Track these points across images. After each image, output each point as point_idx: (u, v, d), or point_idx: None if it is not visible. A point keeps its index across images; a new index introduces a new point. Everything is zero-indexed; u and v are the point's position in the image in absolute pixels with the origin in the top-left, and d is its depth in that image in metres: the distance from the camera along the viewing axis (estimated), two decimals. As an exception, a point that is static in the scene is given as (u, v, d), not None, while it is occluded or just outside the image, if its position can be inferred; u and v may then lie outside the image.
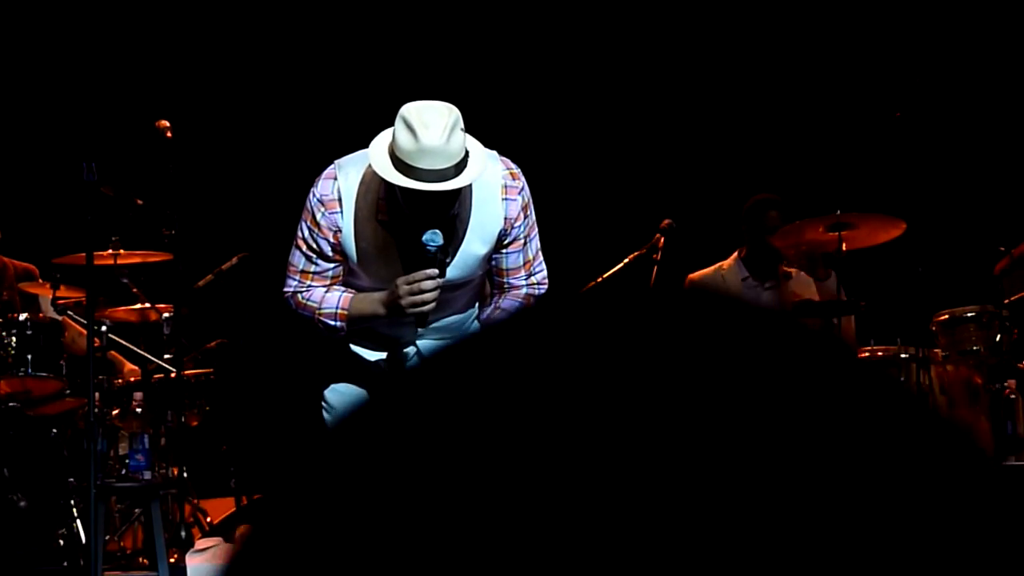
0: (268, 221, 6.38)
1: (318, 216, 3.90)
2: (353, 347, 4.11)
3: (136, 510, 6.37)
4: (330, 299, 3.98)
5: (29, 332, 6.26)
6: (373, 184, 3.86)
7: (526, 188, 3.99)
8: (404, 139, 3.68)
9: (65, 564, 6.08)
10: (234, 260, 6.77)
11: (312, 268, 3.98)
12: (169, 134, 6.38)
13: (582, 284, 6.69)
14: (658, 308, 0.82)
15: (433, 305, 3.83)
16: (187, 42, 8.18)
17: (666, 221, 6.72)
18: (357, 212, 3.88)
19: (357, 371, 4.11)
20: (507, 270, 4.05)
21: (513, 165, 3.99)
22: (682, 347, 0.78)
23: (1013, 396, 6.09)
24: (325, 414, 4.17)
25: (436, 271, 3.80)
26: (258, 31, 8.27)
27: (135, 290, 6.69)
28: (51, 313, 6.55)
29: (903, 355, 6.16)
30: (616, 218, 7.82)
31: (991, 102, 7.75)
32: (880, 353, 6.19)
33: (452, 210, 3.82)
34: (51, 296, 6.51)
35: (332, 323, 3.98)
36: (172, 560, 5.85)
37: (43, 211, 7.61)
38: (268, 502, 0.84)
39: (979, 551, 0.74)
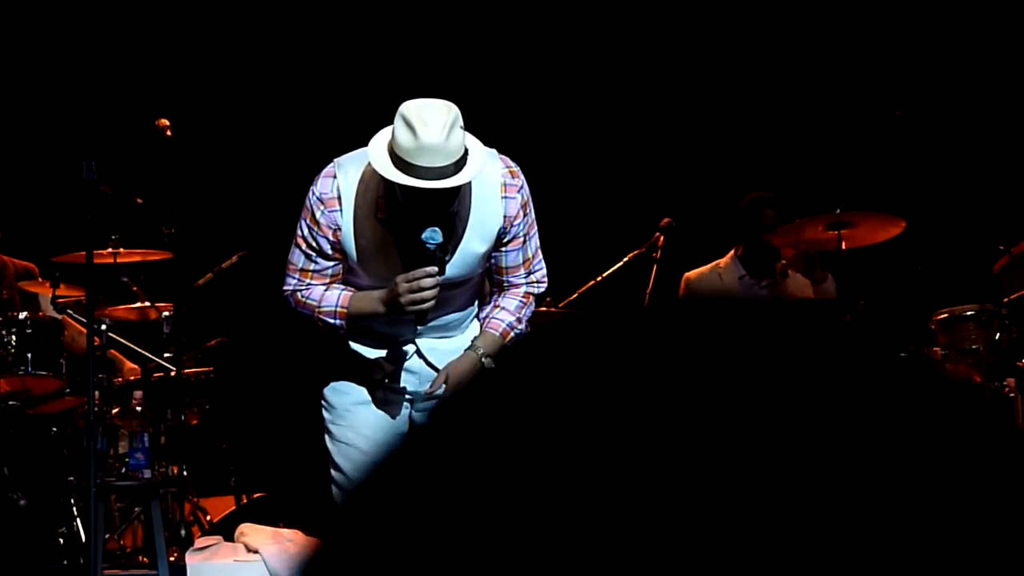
0: (268, 220, 6.38)
1: (317, 214, 3.90)
2: (352, 345, 4.11)
3: (136, 509, 6.37)
4: (329, 297, 3.98)
5: (29, 331, 6.26)
6: (372, 182, 3.87)
7: (525, 186, 3.99)
8: (404, 137, 3.68)
9: (65, 563, 6.08)
10: (234, 259, 6.78)
11: (312, 266, 3.98)
12: (169, 133, 6.39)
13: (582, 283, 6.70)
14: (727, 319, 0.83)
15: (432, 303, 3.83)
16: (187, 41, 8.18)
17: (665, 220, 6.73)
18: (357, 210, 3.88)
19: (356, 370, 4.12)
20: (506, 268, 4.06)
21: (512, 163, 3.99)
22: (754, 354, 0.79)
23: (1012, 395, 6.09)
24: (325, 413, 4.17)
25: (435, 269, 3.80)
26: (258, 30, 8.27)
27: (135, 289, 6.69)
28: (51, 312, 6.55)
29: (902, 354, 6.15)
30: (616, 217, 7.82)
31: (990, 101, 7.75)
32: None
33: (451, 208, 3.83)
34: (51, 295, 6.51)
35: (331, 321, 3.99)
36: (172, 559, 5.85)
37: (43, 210, 7.61)
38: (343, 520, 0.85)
39: None
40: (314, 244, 3.94)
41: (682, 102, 8.20)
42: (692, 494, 0.74)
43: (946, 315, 6.20)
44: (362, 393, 4.12)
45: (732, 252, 6.80)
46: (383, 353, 4.10)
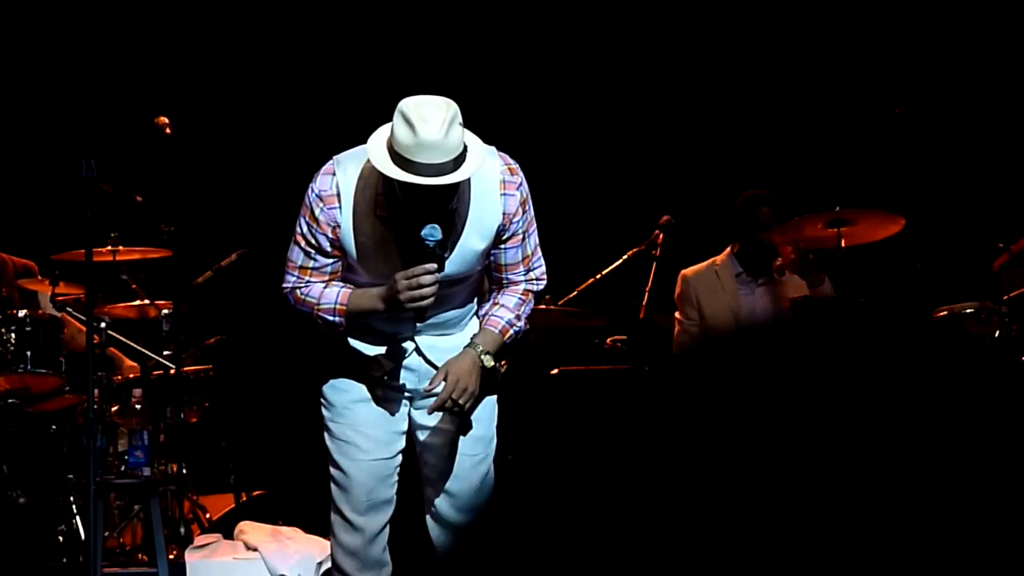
0: (267, 218, 6.38)
1: (316, 212, 3.90)
2: (352, 343, 4.11)
3: (135, 506, 6.37)
4: (329, 294, 3.98)
5: (28, 328, 6.26)
6: (372, 179, 3.87)
7: (524, 183, 3.99)
8: (402, 134, 3.68)
9: (64, 560, 6.08)
10: (233, 257, 6.77)
11: (311, 264, 3.98)
12: (168, 130, 6.39)
13: (581, 280, 6.69)
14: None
15: (432, 300, 3.83)
16: (186, 39, 8.17)
17: (665, 217, 6.73)
18: (356, 207, 3.88)
19: (356, 367, 4.12)
20: (505, 265, 4.06)
21: (511, 160, 3.99)
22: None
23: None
24: (324, 410, 4.17)
25: (435, 266, 3.80)
26: (257, 28, 8.26)
27: (134, 286, 6.69)
28: (50, 309, 6.54)
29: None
30: (615, 214, 7.82)
31: (990, 98, 7.75)
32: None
33: (450, 205, 3.82)
34: (50, 292, 6.51)
35: (331, 318, 3.99)
36: (171, 557, 5.85)
37: (42, 207, 7.61)
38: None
39: None
40: (313, 241, 3.94)
41: (682, 100, 8.20)
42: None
43: (946, 313, 6.19)
44: (361, 391, 4.12)
45: (728, 250, 6.79)
46: (382, 351, 4.09)
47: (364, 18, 8.28)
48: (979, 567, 0.74)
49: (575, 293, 6.65)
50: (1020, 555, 0.73)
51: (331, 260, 3.97)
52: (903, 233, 6.38)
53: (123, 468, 6.06)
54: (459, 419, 4.10)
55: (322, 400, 4.18)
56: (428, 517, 4.22)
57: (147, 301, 6.67)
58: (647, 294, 6.51)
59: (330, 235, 3.92)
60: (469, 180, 3.84)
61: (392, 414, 4.13)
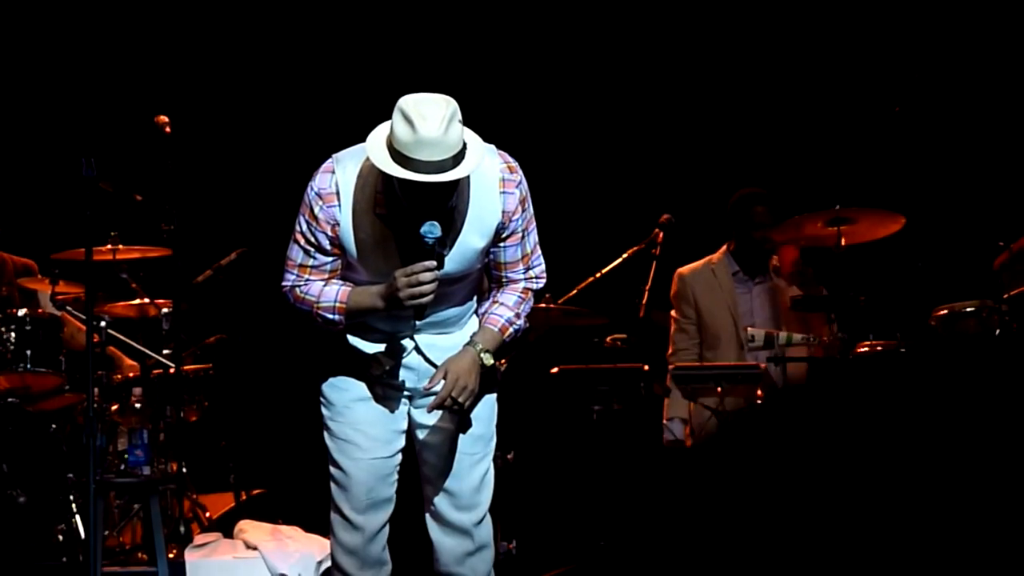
0: (267, 217, 6.37)
1: (316, 210, 3.90)
2: (351, 342, 4.11)
3: (135, 505, 6.37)
4: (328, 293, 3.98)
5: (28, 328, 6.26)
6: (371, 177, 3.86)
7: (524, 182, 3.99)
8: (402, 131, 3.68)
9: (64, 559, 6.08)
10: (233, 256, 6.77)
11: (310, 262, 3.98)
12: (168, 130, 6.39)
13: (581, 279, 6.69)
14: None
15: (431, 297, 3.83)
16: (186, 38, 8.17)
17: (665, 216, 6.73)
18: (355, 205, 3.88)
19: (355, 366, 4.11)
20: (505, 264, 4.05)
21: (511, 159, 3.99)
22: None
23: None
24: (323, 409, 4.17)
25: (434, 263, 3.80)
26: (256, 27, 8.26)
27: (134, 285, 6.69)
28: (50, 308, 6.54)
29: (902, 350, 6.16)
30: (615, 213, 7.82)
31: (990, 97, 7.74)
32: (879, 348, 6.19)
33: (450, 202, 3.82)
34: (50, 292, 6.51)
35: (330, 316, 3.98)
36: (171, 556, 5.85)
37: (42, 207, 7.61)
38: None
39: None
40: (312, 240, 3.94)
41: (682, 98, 8.19)
42: None
43: (946, 311, 6.19)
44: (361, 389, 4.11)
45: (724, 248, 6.79)
46: (382, 349, 4.09)
47: (363, 18, 8.28)
48: None
49: (575, 292, 6.64)
50: None
51: (331, 258, 3.97)
52: (903, 232, 6.38)
53: (123, 467, 6.06)
54: (459, 417, 4.10)
55: (322, 399, 4.18)
56: (428, 516, 4.22)
57: (147, 300, 6.67)
58: (647, 293, 6.50)
59: (329, 233, 3.91)
60: (468, 178, 3.84)
61: (392, 413, 4.13)
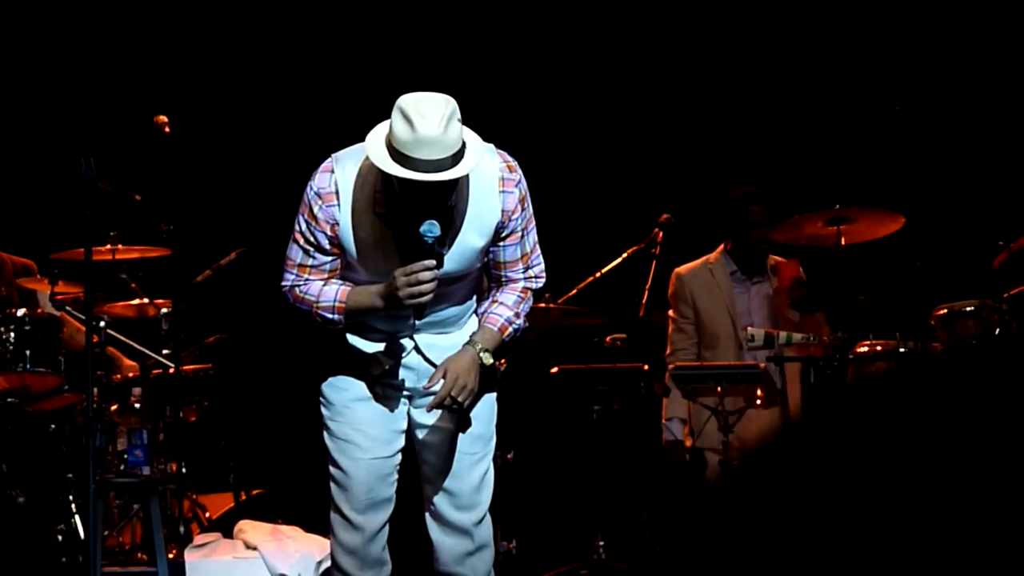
0: (266, 216, 6.37)
1: (315, 209, 3.90)
2: (351, 342, 4.10)
3: (135, 506, 6.37)
4: (328, 292, 3.98)
5: (27, 328, 6.26)
6: (370, 177, 3.86)
7: (523, 181, 3.99)
8: (401, 130, 3.68)
9: (64, 560, 6.07)
10: (232, 255, 6.77)
11: (310, 262, 3.98)
12: (167, 129, 6.38)
13: (581, 279, 6.69)
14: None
15: (431, 296, 3.83)
16: (185, 38, 8.17)
17: (664, 216, 6.72)
18: (354, 205, 3.88)
19: (355, 366, 4.11)
20: (504, 263, 4.05)
21: (510, 158, 3.99)
22: None
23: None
24: (323, 409, 4.17)
25: (434, 262, 3.80)
26: (255, 27, 8.26)
27: (133, 285, 6.68)
28: (49, 309, 6.54)
29: (902, 349, 6.16)
30: (614, 213, 7.82)
31: (990, 96, 7.74)
32: (879, 347, 6.19)
33: (449, 201, 3.82)
34: (49, 292, 6.50)
35: (330, 316, 3.98)
36: (171, 556, 5.84)
37: (41, 206, 7.60)
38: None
39: None
40: (312, 239, 3.93)
41: (681, 98, 8.19)
42: None
43: (946, 311, 6.19)
44: (360, 389, 4.11)
45: (721, 247, 6.78)
46: (381, 349, 4.09)
47: (363, 17, 8.28)
48: None
49: (575, 291, 6.64)
50: None
51: (330, 258, 3.97)
52: (903, 231, 6.38)
53: (122, 467, 6.06)
54: (458, 417, 4.10)
55: (321, 399, 4.17)
56: (428, 515, 4.22)
57: (146, 300, 6.66)
58: (647, 292, 6.50)
59: (329, 233, 3.91)
60: (468, 177, 3.84)
61: (391, 412, 4.12)
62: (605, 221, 7.75)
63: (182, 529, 6.24)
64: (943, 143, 7.34)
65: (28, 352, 6.24)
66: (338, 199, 3.88)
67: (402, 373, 4.10)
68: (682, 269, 6.77)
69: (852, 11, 8.05)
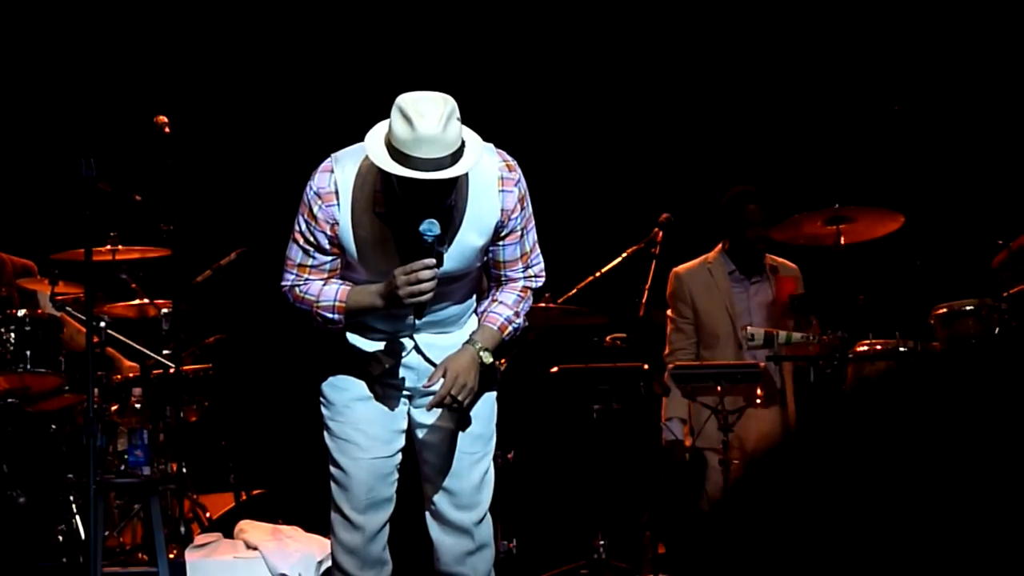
0: (266, 217, 6.38)
1: (315, 209, 3.90)
2: (351, 341, 4.11)
3: (135, 506, 6.37)
4: (328, 292, 3.98)
5: (28, 328, 6.26)
6: (370, 176, 3.87)
7: (522, 180, 3.99)
8: (400, 128, 3.68)
9: (64, 560, 6.07)
10: (232, 256, 6.77)
11: (309, 261, 3.98)
12: (167, 130, 6.39)
13: (580, 278, 6.69)
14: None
15: (431, 295, 3.83)
16: (185, 38, 8.17)
17: (664, 215, 6.72)
18: (354, 204, 3.88)
19: (355, 366, 4.11)
20: (504, 262, 4.05)
21: (509, 157, 3.99)
22: None
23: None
24: (323, 409, 4.17)
25: (433, 261, 3.80)
26: (255, 27, 8.26)
27: (133, 286, 6.69)
28: (49, 309, 6.54)
29: (901, 348, 6.17)
30: (614, 212, 7.82)
31: (989, 95, 7.75)
32: (879, 347, 6.19)
33: (449, 200, 3.82)
34: (49, 292, 6.51)
35: (330, 315, 3.98)
36: (171, 556, 5.85)
37: (41, 207, 7.61)
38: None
39: None
40: (312, 239, 3.94)
41: (680, 97, 8.20)
42: None
43: (945, 310, 6.19)
44: (361, 389, 4.12)
45: (719, 247, 6.78)
46: (381, 349, 4.09)
47: (362, 17, 8.28)
48: None
49: (575, 291, 6.64)
50: None
51: (330, 258, 3.97)
52: (902, 230, 6.38)
53: (123, 467, 6.06)
54: (458, 416, 4.10)
55: (321, 399, 4.18)
56: (428, 515, 4.22)
57: (146, 300, 6.67)
58: (647, 292, 6.50)
59: (328, 232, 3.91)
60: (467, 176, 3.84)
61: (391, 412, 4.13)
62: (605, 221, 7.75)
63: (183, 529, 6.24)
64: (942, 142, 7.35)
65: (28, 353, 6.25)
66: (338, 199, 3.89)
67: (402, 373, 4.11)
68: (681, 269, 6.77)
69: (851, 10, 8.05)
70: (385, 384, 4.11)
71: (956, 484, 0.79)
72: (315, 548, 5.87)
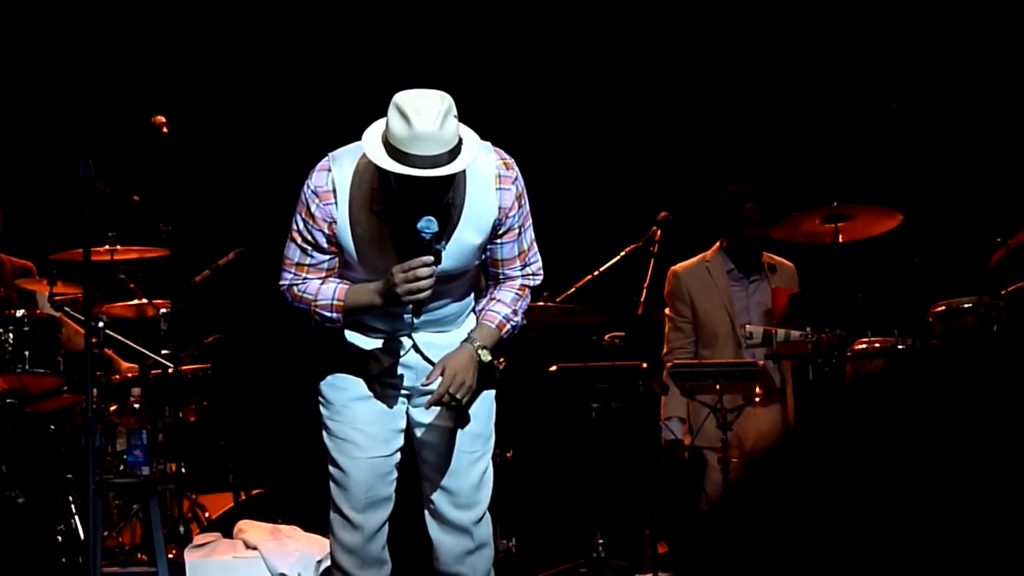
0: (265, 216, 6.37)
1: (313, 207, 3.90)
2: (349, 341, 4.11)
3: (134, 506, 6.37)
4: (326, 291, 3.98)
5: (26, 328, 6.26)
6: (367, 174, 3.87)
7: (520, 178, 3.99)
8: (397, 126, 3.68)
9: (64, 560, 6.07)
10: (231, 255, 6.77)
11: (307, 260, 3.98)
12: (165, 130, 6.38)
13: (579, 277, 6.69)
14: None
15: (429, 292, 3.83)
16: (183, 38, 8.17)
17: (662, 214, 6.72)
18: (352, 202, 3.88)
19: (353, 365, 4.11)
20: (502, 261, 4.05)
21: (507, 155, 3.99)
22: None
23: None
24: (322, 408, 4.17)
25: (431, 258, 3.80)
26: (253, 27, 8.26)
27: (132, 286, 6.69)
28: (48, 309, 6.54)
29: (900, 346, 6.17)
30: (613, 211, 7.82)
31: (988, 93, 7.75)
32: (877, 345, 6.20)
33: (446, 197, 3.82)
34: (48, 292, 6.51)
35: (328, 314, 3.98)
36: (170, 556, 5.85)
37: (40, 207, 7.60)
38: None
39: None
40: (309, 238, 3.94)
41: (679, 96, 8.20)
42: None
43: (944, 308, 6.19)
44: (360, 389, 4.11)
45: (717, 245, 6.78)
46: (380, 348, 4.09)
47: (361, 17, 8.28)
48: None
49: (573, 290, 6.64)
50: None
51: (328, 256, 3.97)
52: (901, 228, 6.38)
53: (122, 467, 6.06)
54: (457, 415, 4.10)
55: (320, 398, 4.18)
56: (427, 514, 4.22)
57: (145, 300, 6.67)
58: (645, 290, 6.50)
59: (326, 231, 3.91)
60: (464, 174, 3.84)
61: (390, 412, 4.13)
62: (603, 219, 7.75)
63: (182, 529, 6.24)
64: (941, 140, 7.35)
65: (27, 353, 6.25)
66: (335, 197, 3.89)
67: (401, 372, 4.11)
68: (679, 267, 6.77)
69: (849, 9, 8.05)
70: (384, 383, 4.11)
71: (955, 481, 0.79)
72: (314, 548, 5.87)
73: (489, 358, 4.03)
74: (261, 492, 6.77)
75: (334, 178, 3.89)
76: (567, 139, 8.15)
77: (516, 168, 3.99)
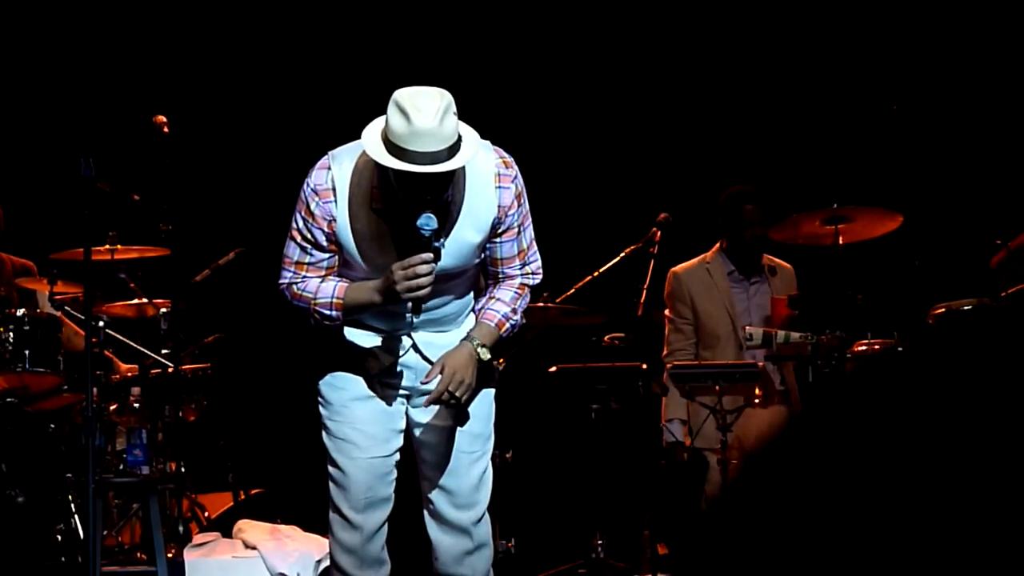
0: (265, 216, 6.37)
1: (312, 205, 3.90)
2: (349, 340, 4.11)
3: (134, 505, 6.37)
4: (325, 289, 3.98)
5: (26, 328, 6.27)
6: (367, 172, 3.87)
7: (519, 177, 3.99)
8: (397, 123, 3.69)
9: (63, 559, 6.08)
10: (231, 255, 6.78)
11: (307, 259, 3.98)
12: (166, 129, 6.39)
13: (579, 278, 6.69)
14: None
15: (428, 290, 3.83)
16: (184, 37, 8.18)
17: (662, 215, 6.72)
18: (351, 200, 3.89)
19: (353, 365, 4.12)
20: (501, 259, 4.06)
21: (506, 154, 4.00)
22: None
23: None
24: (322, 408, 4.17)
25: (431, 255, 3.80)
26: (253, 26, 8.26)
27: (132, 285, 6.69)
28: (48, 309, 6.55)
29: (900, 348, 6.17)
30: (613, 212, 7.82)
31: (988, 95, 7.75)
32: (877, 346, 6.20)
33: (446, 194, 3.83)
34: (48, 291, 6.51)
35: (328, 312, 3.98)
36: (170, 555, 5.85)
37: (40, 207, 7.61)
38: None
39: None
40: (309, 236, 3.94)
41: (679, 96, 8.20)
42: None
43: (943, 310, 6.19)
44: (359, 389, 4.12)
45: (717, 246, 6.78)
46: (379, 347, 4.09)
47: (360, 16, 8.28)
48: None
49: (573, 290, 6.64)
50: None
51: (327, 255, 3.97)
52: (901, 230, 6.38)
53: (122, 467, 6.06)
54: (456, 414, 4.10)
55: (320, 398, 4.18)
56: (426, 514, 4.22)
57: (145, 300, 6.67)
58: (645, 291, 6.50)
59: (326, 229, 3.92)
60: (464, 172, 3.85)
61: (390, 411, 4.13)
62: (603, 220, 7.75)
63: (181, 528, 6.25)
64: (941, 142, 7.35)
65: (27, 352, 6.25)
66: (335, 195, 3.89)
67: (400, 371, 4.11)
68: (679, 269, 6.77)
69: (849, 10, 8.05)
70: (383, 383, 4.11)
71: (954, 479, 0.79)
72: (313, 547, 5.87)
73: (488, 356, 4.03)
74: (260, 492, 6.77)
75: (334, 176, 3.90)
76: (567, 139, 8.15)
77: (515, 167, 3.99)
